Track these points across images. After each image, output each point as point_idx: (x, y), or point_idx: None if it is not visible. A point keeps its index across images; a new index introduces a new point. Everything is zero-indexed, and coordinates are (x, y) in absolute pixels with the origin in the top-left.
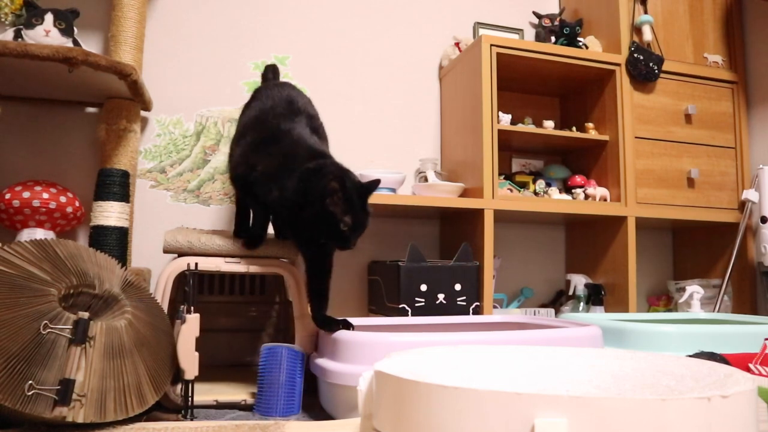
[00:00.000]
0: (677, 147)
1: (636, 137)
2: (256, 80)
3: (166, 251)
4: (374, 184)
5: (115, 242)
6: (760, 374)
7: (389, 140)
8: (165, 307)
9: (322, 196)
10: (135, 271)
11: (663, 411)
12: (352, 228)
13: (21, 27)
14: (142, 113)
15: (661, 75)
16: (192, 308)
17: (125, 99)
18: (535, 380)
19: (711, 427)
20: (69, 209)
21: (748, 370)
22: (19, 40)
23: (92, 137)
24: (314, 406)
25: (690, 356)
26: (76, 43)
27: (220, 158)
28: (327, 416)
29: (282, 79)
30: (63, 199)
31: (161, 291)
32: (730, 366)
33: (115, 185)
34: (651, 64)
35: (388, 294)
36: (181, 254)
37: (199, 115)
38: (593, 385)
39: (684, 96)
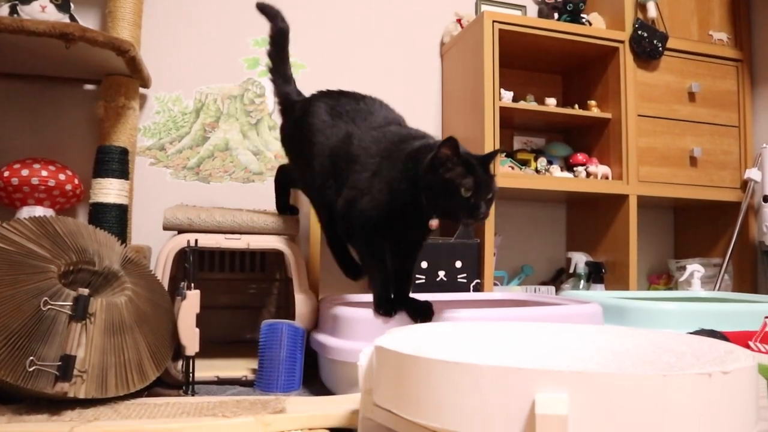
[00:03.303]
0: (680, 125)
1: (639, 115)
2: (257, 57)
3: (165, 228)
4: (494, 153)
5: (114, 219)
6: (760, 351)
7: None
8: (165, 284)
9: (434, 167)
10: (135, 249)
11: (664, 387)
12: (475, 191)
13: (16, 2)
14: (141, 90)
15: (665, 53)
16: (192, 285)
17: (124, 76)
18: (535, 357)
19: (711, 403)
20: (68, 187)
21: (748, 347)
22: (15, 15)
23: (91, 114)
24: (315, 382)
25: (690, 334)
26: (72, 18)
27: (220, 135)
28: (327, 392)
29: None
30: (62, 176)
31: (161, 268)
32: (730, 343)
33: (114, 162)
34: (655, 42)
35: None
36: (181, 231)
37: (199, 92)
38: (594, 361)
39: (688, 74)
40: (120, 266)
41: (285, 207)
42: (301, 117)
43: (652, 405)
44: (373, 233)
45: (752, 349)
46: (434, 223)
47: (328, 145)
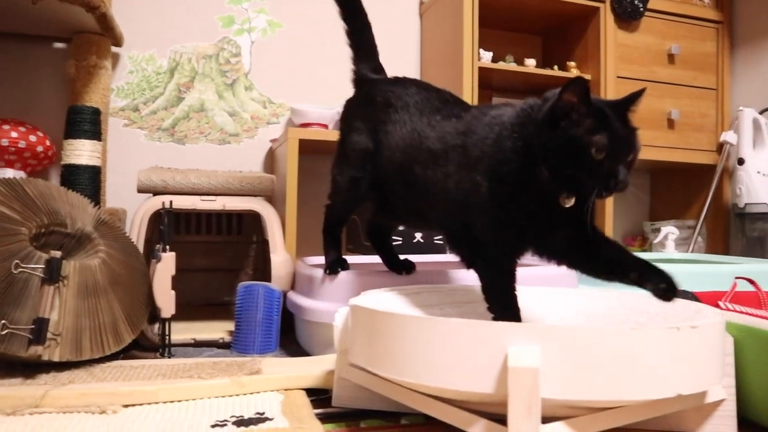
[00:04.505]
0: (659, 87)
1: (618, 77)
2: (232, 15)
3: (140, 191)
4: (637, 94)
5: (87, 181)
6: (729, 311)
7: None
8: (140, 246)
9: (553, 122)
10: (109, 211)
11: (633, 339)
12: (611, 152)
13: None
14: (113, 49)
15: (647, 13)
16: (167, 247)
17: (95, 34)
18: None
19: (679, 356)
20: (39, 148)
21: (718, 307)
22: None
23: (61, 74)
24: (292, 344)
25: None
26: None
27: (195, 96)
28: (304, 353)
29: (257, 15)
30: (32, 138)
31: (136, 230)
32: (700, 303)
33: (86, 123)
34: (636, 2)
35: (365, 232)
36: (155, 193)
37: (173, 51)
38: (566, 322)
39: (668, 35)
40: (93, 228)
41: (395, 263)
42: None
43: (621, 357)
44: (499, 254)
45: (722, 308)
46: (568, 201)
47: (397, 143)
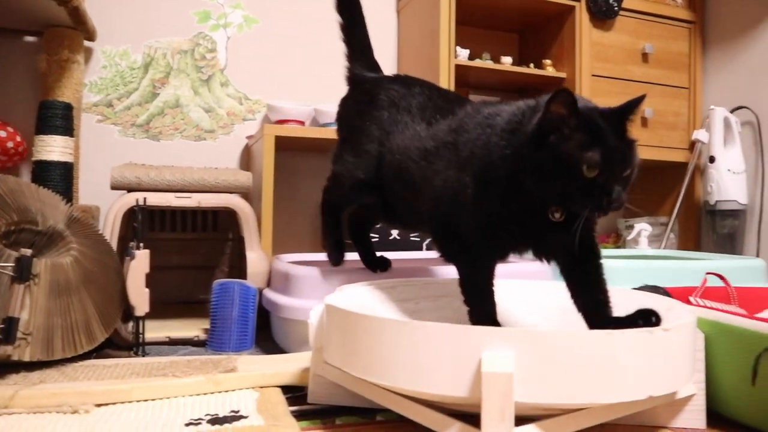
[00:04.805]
0: (633, 86)
1: (593, 75)
2: (208, 10)
3: (113, 187)
4: (635, 102)
5: (59, 178)
6: (699, 306)
7: (343, 75)
8: (114, 244)
9: (542, 136)
10: (82, 208)
11: (608, 343)
12: (604, 169)
13: None
14: (86, 43)
15: (621, 12)
16: (141, 244)
17: (67, 28)
18: None
19: (653, 358)
20: (9, 144)
21: (689, 302)
22: None
23: (33, 68)
24: (267, 341)
25: (635, 289)
26: None
27: (170, 91)
28: (280, 351)
29: (233, 10)
30: (2, 133)
31: (110, 228)
32: (672, 298)
33: (58, 118)
34: (611, 1)
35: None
36: (129, 190)
37: (147, 46)
38: (542, 316)
39: (642, 34)
40: (65, 226)
41: (372, 260)
42: (367, 102)
43: (596, 361)
44: (479, 254)
45: (692, 304)
46: (557, 215)
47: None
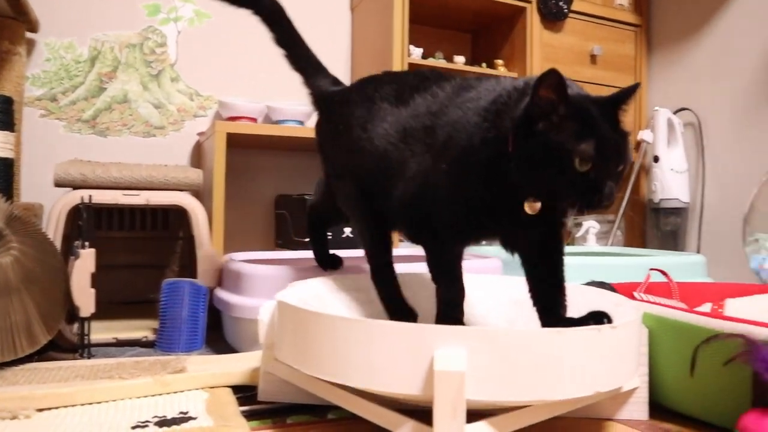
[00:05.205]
0: (582, 87)
1: None
2: (157, 3)
3: (57, 185)
4: (629, 91)
5: None
6: (643, 301)
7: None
8: (58, 243)
9: (530, 123)
10: (24, 206)
11: (558, 341)
12: (597, 163)
13: None
14: (28, 35)
15: (570, 15)
16: (87, 243)
17: (7, 18)
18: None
19: (601, 355)
20: None
21: (633, 297)
22: None
23: None
24: (219, 341)
25: (583, 285)
26: None
27: (118, 86)
28: (231, 351)
29: (184, 4)
30: None
31: (53, 226)
32: (618, 294)
33: None
34: (560, 3)
35: (295, 228)
36: (74, 187)
37: (94, 39)
38: (494, 312)
39: (590, 37)
40: (4, 224)
41: (325, 258)
42: (340, 111)
43: (546, 359)
44: (447, 239)
45: (636, 299)
46: (535, 206)
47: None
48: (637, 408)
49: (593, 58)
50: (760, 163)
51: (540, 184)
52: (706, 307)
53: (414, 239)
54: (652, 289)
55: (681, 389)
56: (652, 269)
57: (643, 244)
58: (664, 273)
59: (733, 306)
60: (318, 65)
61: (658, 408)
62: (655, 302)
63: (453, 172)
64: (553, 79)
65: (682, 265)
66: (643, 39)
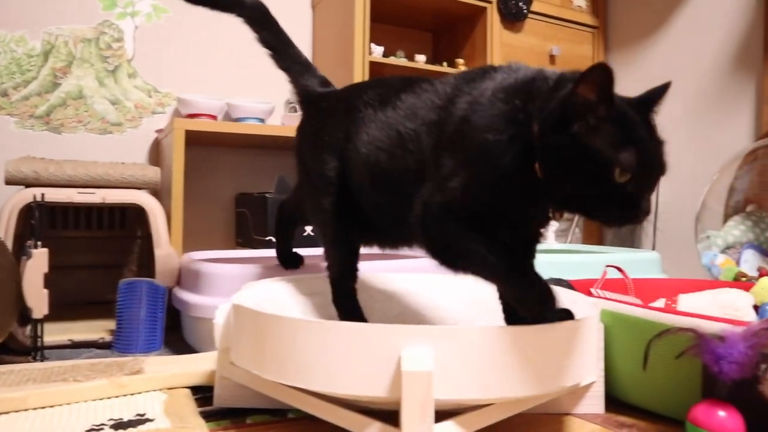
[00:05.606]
0: None
1: None
2: None
3: (8, 182)
4: (661, 90)
5: None
6: (600, 297)
7: (258, 69)
8: (9, 243)
9: (564, 122)
10: None
11: (521, 338)
12: (638, 174)
13: None
14: None
15: (530, 15)
16: (39, 243)
17: None
18: (399, 306)
19: (562, 350)
20: None
21: (590, 294)
22: None
23: None
24: (178, 342)
25: None
26: None
27: (73, 82)
28: (191, 351)
29: (143, 0)
30: None
31: (4, 225)
32: (575, 291)
33: None
34: (520, 3)
35: (256, 226)
36: (26, 185)
37: (47, 32)
38: (453, 309)
39: (550, 37)
40: None
41: (287, 257)
42: (326, 115)
43: (511, 356)
44: (490, 232)
45: (593, 295)
46: (559, 217)
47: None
48: (594, 402)
49: (552, 59)
50: (711, 163)
51: (570, 194)
52: (660, 303)
53: (443, 253)
54: (608, 285)
55: (635, 383)
56: (608, 266)
57: (600, 242)
58: (620, 270)
59: (686, 301)
60: (306, 64)
61: (614, 401)
62: (611, 298)
63: (474, 163)
64: (599, 75)
65: (638, 262)
66: (600, 40)
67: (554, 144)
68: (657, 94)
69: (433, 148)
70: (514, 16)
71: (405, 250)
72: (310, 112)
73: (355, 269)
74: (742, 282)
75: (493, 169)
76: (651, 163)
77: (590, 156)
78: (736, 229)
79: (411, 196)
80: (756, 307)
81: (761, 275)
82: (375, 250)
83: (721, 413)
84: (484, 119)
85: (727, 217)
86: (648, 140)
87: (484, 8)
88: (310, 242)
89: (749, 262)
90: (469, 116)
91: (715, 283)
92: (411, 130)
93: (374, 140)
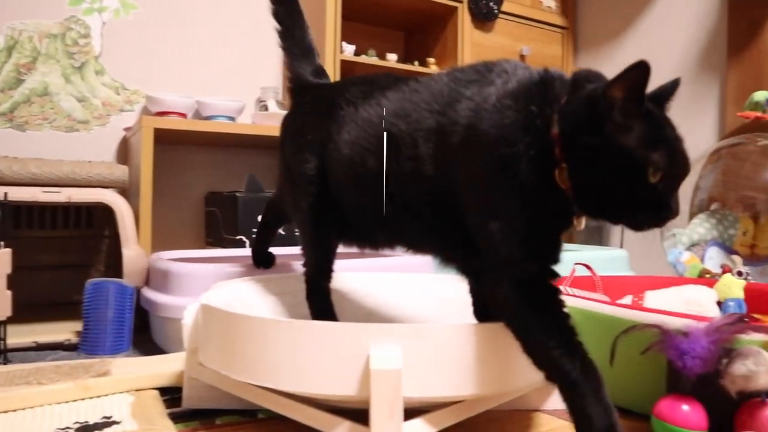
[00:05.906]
0: None
1: None
2: None
3: None
4: (673, 86)
5: None
6: (569, 295)
7: (228, 66)
8: None
9: (595, 122)
10: None
11: (491, 336)
12: (669, 173)
13: None
14: None
15: (501, 15)
16: (2, 243)
17: None
18: (370, 305)
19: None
20: None
21: None
22: None
23: None
24: (147, 342)
25: None
26: None
27: (37, 78)
28: (160, 352)
29: None
30: None
31: None
32: None
33: None
34: (491, 3)
35: (226, 225)
36: None
37: (11, 27)
38: (424, 308)
39: (520, 37)
40: None
41: (262, 256)
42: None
43: (480, 354)
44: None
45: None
46: (581, 224)
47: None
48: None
49: (522, 59)
50: None
51: (600, 198)
52: (628, 299)
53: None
54: (577, 282)
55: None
56: (577, 263)
57: (570, 239)
58: (588, 267)
59: (652, 297)
60: (306, 50)
61: None
62: (579, 295)
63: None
64: (636, 74)
65: (606, 259)
66: (569, 40)
67: (583, 146)
68: (669, 91)
69: (434, 157)
70: (484, 15)
71: (386, 251)
72: (297, 102)
73: (331, 269)
74: (706, 279)
75: (520, 193)
76: (679, 161)
77: (623, 156)
78: (701, 227)
79: (401, 198)
80: (719, 303)
81: (724, 272)
82: (352, 249)
83: (685, 407)
84: (495, 129)
85: (692, 216)
86: (674, 138)
87: (455, 8)
88: (282, 241)
89: (713, 259)
90: (475, 124)
91: (680, 280)
92: (404, 133)
93: (359, 140)
